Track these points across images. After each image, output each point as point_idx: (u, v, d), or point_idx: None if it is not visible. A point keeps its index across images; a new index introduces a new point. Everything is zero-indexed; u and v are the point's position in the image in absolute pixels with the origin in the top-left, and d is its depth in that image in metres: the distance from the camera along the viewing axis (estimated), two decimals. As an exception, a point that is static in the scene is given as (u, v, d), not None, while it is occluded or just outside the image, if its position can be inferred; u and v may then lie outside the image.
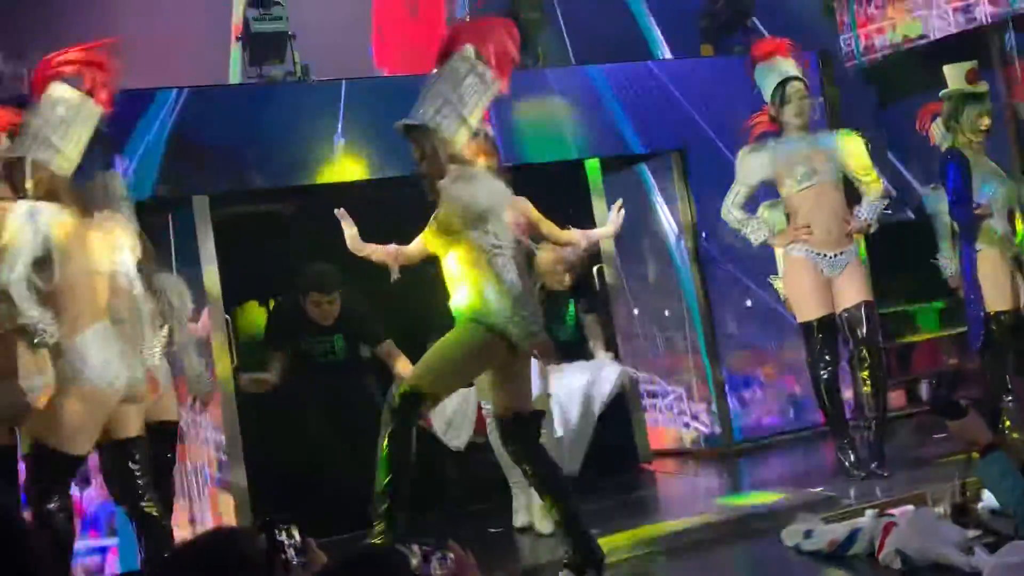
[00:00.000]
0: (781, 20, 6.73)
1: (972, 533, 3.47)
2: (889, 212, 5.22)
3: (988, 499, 3.80)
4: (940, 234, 5.36)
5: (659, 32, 7.52)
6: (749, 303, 6.47)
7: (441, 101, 3.72)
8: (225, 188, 5.36)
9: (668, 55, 7.18)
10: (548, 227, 4.31)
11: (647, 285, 6.84)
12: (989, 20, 6.78)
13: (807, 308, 4.88)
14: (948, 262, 5.28)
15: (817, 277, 4.86)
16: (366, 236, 4.21)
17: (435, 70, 3.86)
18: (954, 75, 5.22)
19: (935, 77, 5.42)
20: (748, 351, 6.45)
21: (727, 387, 6.39)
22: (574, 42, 7.14)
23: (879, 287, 5.65)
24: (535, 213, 4.24)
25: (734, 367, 6.41)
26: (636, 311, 6.82)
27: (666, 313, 6.69)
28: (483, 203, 3.65)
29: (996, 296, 5.05)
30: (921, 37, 7.24)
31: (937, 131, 5.31)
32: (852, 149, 4.97)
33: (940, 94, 5.27)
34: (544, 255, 4.93)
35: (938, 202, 5.30)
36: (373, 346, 5.23)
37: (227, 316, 5.27)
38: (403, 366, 4.92)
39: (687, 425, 6.59)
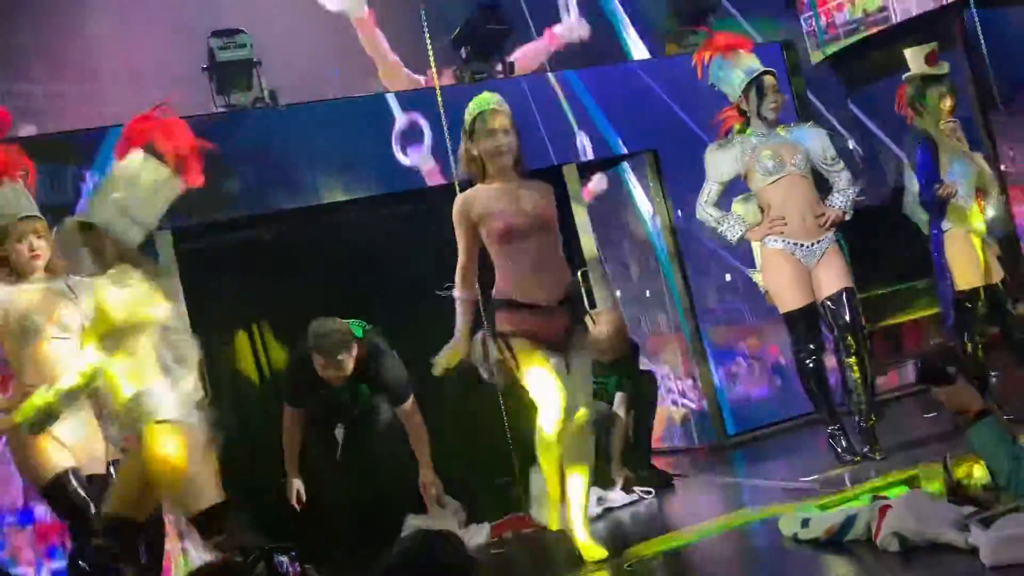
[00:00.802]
0: (742, 13, 6.80)
1: (967, 510, 3.47)
2: (862, 198, 5.25)
3: (980, 475, 3.84)
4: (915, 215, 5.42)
5: (632, 33, 7.60)
6: (728, 277, 6.56)
7: (113, 200, 3.72)
8: (192, 220, 5.35)
9: (645, 54, 7.26)
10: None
11: (627, 274, 6.93)
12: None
13: (788, 299, 4.91)
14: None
15: (795, 267, 4.89)
16: (342, 258, 4.24)
17: (112, 166, 3.90)
18: (914, 58, 5.28)
19: (899, 60, 5.47)
20: (729, 325, 6.55)
21: (711, 362, 6.53)
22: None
23: (862, 270, 5.69)
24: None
25: (716, 342, 6.53)
26: (619, 293, 6.92)
27: (647, 294, 6.77)
28: (119, 315, 3.63)
29: (966, 274, 5.11)
30: (880, 11, 7.31)
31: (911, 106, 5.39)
32: (819, 140, 5.01)
33: (903, 77, 5.33)
34: None
35: (911, 183, 5.36)
36: (394, 405, 4.98)
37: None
38: (417, 438, 4.89)
39: (675, 403, 6.66)
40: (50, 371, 3.90)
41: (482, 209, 3.98)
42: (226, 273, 5.72)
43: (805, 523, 3.73)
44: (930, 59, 5.25)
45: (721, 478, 5.54)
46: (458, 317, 4.07)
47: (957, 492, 3.74)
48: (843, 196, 4.93)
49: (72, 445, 4.00)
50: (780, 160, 4.90)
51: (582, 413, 3.99)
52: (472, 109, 4.05)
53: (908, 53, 5.30)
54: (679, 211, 6.51)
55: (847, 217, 4.95)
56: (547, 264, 4.01)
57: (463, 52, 6.12)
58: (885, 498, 3.65)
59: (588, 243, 6.59)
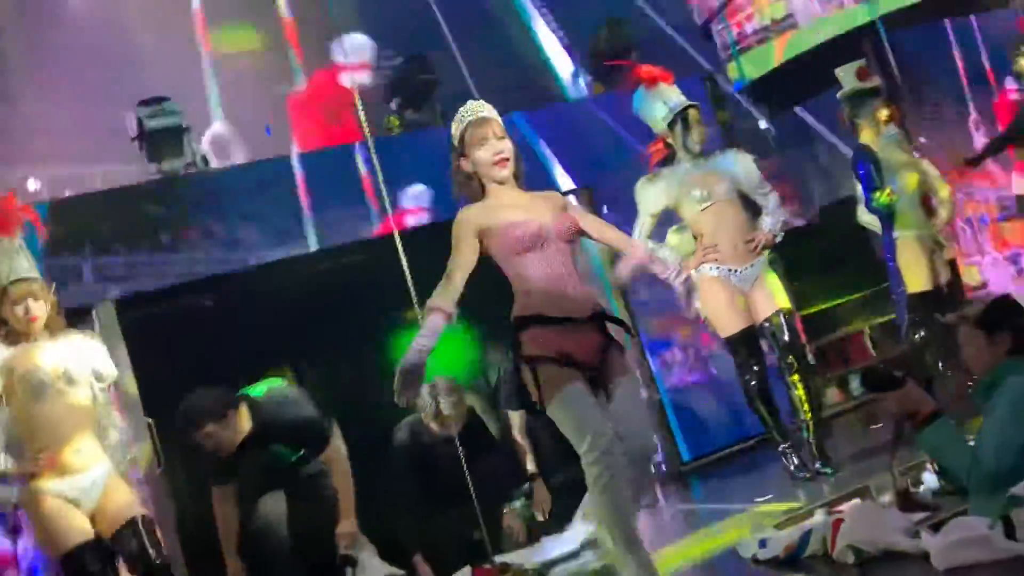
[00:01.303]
0: (663, 50, 6.97)
1: (917, 517, 3.54)
2: (792, 220, 5.39)
3: (928, 481, 3.93)
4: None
5: (567, 73, 7.75)
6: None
7: None
8: (136, 289, 5.33)
9: (585, 92, 7.40)
10: (598, 230, 3.77)
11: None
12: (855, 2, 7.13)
13: (727, 324, 4.99)
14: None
15: (732, 292, 4.97)
16: (285, 315, 4.18)
17: None
18: (846, 76, 5.43)
19: (818, 84, 5.65)
20: (663, 316, 6.67)
21: (647, 352, 6.66)
22: (482, 94, 7.29)
23: (801, 289, 5.83)
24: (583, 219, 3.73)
25: (651, 332, 6.64)
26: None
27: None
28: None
29: (917, 278, 5.26)
30: (786, 18, 7.56)
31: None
32: (744, 166, 5.13)
33: (837, 96, 5.48)
34: None
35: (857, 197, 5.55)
36: (313, 454, 4.77)
37: (149, 420, 5.17)
38: (341, 484, 4.69)
39: None
40: (64, 429, 3.93)
41: (491, 220, 3.49)
42: (172, 341, 5.67)
43: (763, 544, 3.76)
44: (861, 75, 5.41)
45: (678, 505, 5.57)
46: (422, 330, 3.42)
47: (907, 500, 3.82)
48: (772, 219, 5.05)
49: (90, 506, 4.00)
50: (708, 189, 5.01)
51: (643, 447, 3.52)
52: (459, 120, 3.62)
53: (840, 72, 5.45)
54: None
55: (777, 239, 5.06)
56: (572, 275, 3.54)
57: (394, 103, 6.18)
58: (839, 511, 3.70)
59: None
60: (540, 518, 5.44)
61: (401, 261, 5.15)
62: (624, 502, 3.31)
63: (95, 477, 3.99)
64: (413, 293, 5.23)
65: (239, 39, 7.40)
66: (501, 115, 3.60)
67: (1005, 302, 3.45)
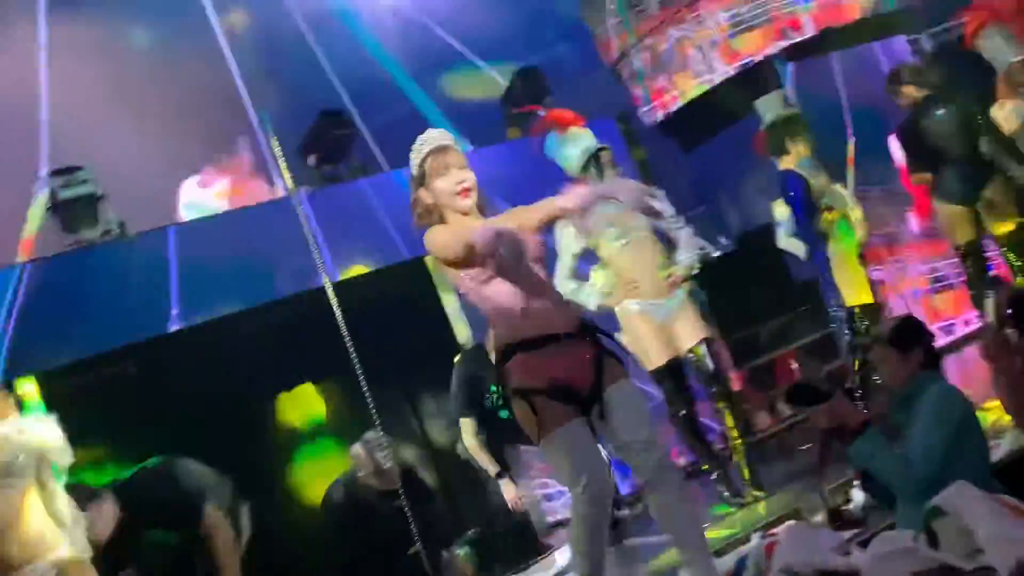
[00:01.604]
0: (573, 94, 7.12)
1: (848, 534, 3.63)
2: (706, 250, 5.52)
3: (857, 498, 4.02)
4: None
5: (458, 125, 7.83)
6: None
7: None
8: (55, 363, 5.23)
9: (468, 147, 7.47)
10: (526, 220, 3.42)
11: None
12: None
13: (652, 357, 5.07)
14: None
15: (654, 326, 5.05)
16: (213, 377, 4.12)
17: None
18: (767, 106, 5.63)
19: (726, 116, 5.83)
20: None
21: None
22: (386, 150, 7.35)
23: (725, 315, 5.94)
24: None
25: None
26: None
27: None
28: None
29: (857, 291, 5.49)
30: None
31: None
32: (656, 202, 5.23)
33: (762, 127, 5.67)
34: None
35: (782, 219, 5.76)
36: (190, 529, 4.48)
37: None
38: (221, 556, 4.43)
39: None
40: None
41: (440, 237, 3.33)
42: (96, 412, 5.55)
43: (702, 573, 3.81)
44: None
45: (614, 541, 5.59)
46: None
47: (838, 518, 3.92)
48: (687, 251, 5.16)
49: None
50: (623, 226, 5.10)
51: (650, 456, 3.35)
52: (418, 150, 3.46)
53: (760, 104, 5.63)
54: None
55: (694, 271, 5.18)
56: (551, 290, 3.42)
57: (312, 160, 6.20)
58: (772, 535, 3.77)
59: (462, 329, 6.68)
60: (519, 511, 5.47)
61: (336, 314, 5.18)
62: (601, 545, 3.29)
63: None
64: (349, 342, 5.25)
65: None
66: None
67: (911, 321, 3.58)
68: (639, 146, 7.09)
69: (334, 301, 5.29)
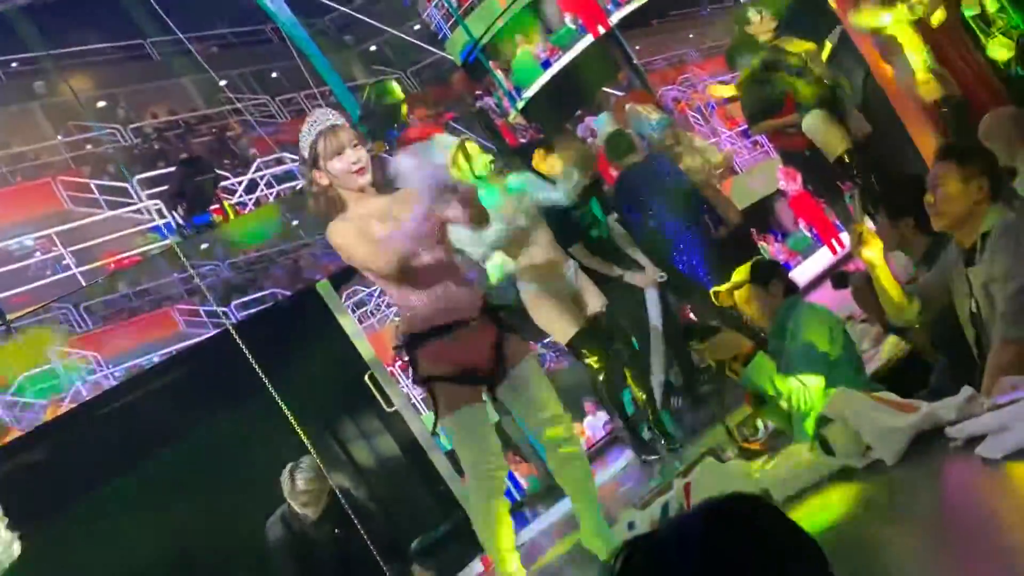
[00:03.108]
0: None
1: (758, 463, 3.82)
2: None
3: (761, 427, 4.23)
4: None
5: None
6: None
7: None
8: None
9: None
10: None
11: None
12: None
13: (564, 328, 5.21)
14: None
15: (556, 300, 5.19)
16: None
17: None
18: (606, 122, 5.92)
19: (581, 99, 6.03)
20: None
21: None
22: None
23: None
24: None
25: None
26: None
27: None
28: None
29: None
30: None
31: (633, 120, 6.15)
32: (529, 181, 5.41)
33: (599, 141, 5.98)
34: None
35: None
36: None
37: None
38: None
39: None
40: None
41: (358, 249, 3.28)
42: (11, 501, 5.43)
43: (631, 526, 3.96)
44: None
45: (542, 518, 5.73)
46: None
47: (747, 450, 4.12)
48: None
49: None
50: (510, 212, 5.23)
51: (556, 431, 3.48)
52: (308, 131, 3.36)
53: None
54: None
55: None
56: (453, 274, 3.40)
57: (179, 210, 6.17)
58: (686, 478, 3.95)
59: (364, 346, 6.73)
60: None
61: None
62: (496, 518, 3.46)
63: None
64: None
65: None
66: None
67: (765, 260, 3.83)
68: (497, 135, 7.23)
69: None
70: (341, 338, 6.60)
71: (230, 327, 5.89)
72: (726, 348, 3.52)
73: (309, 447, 5.53)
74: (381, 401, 6.47)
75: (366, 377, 6.44)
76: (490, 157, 5.46)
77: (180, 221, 6.20)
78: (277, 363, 6.46)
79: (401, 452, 6.76)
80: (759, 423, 4.22)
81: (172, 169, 8.07)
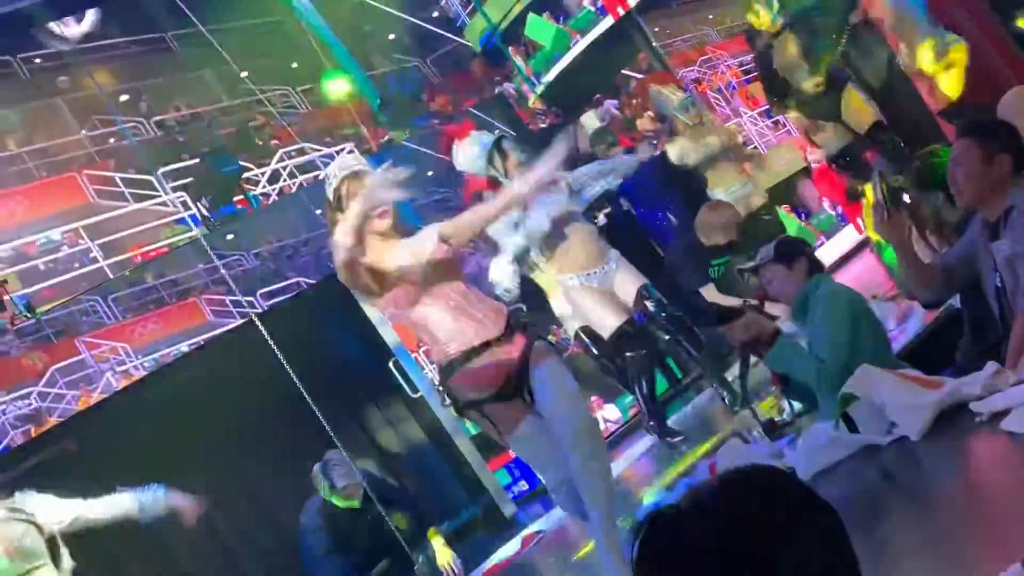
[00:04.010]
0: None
1: (783, 443, 3.82)
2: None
3: (786, 407, 4.23)
4: None
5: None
6: None
7: None
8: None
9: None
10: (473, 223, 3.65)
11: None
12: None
13: (607, 323, 5.22)
14: None
15: (597, 294, 5.20)
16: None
17: None
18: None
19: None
20: None
21: None
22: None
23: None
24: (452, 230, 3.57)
25: None
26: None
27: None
28: None
29: None
30: None
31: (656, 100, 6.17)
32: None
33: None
34: None
35: None
36: None
37: None
38: None
39: None
40: None
41: (374, 266, 3.38)
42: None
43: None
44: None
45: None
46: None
47: (773, 429, 4.12)
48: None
49: None
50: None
51: (584, 423, 3.46)
52: (334, 175, 3.49)
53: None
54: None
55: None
56: (474, 299, 3.50)
57: (205, 202, 6.21)
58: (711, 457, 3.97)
59: (390, 334, 6.77)
60: None
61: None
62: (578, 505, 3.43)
63: None
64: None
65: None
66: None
67: (789, 238, 3.82)
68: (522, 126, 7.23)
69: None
70: (366, 325, 6.64)
71: (254, 317, 5.93)
72: (752, 330, 3.54)
73: (332, 435, 5.60)
74: (406, 387, 6.51)
75: (391, 364, 6.48)
76: (524, 155, 5.47)
77: (206, 212, 6.25)
78: (303, 351, 6.53)
79: (427, 437, 6.80)
80: (784, 403, 4.24)
81: (195, 161, 8.17)
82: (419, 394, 6.46)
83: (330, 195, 3.49)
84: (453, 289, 3.44)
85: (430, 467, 6.74)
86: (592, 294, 5.19)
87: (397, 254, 3.42)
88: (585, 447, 3.40)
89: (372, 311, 6.70)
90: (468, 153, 5.32)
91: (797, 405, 4.06)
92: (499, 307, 3.56)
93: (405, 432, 6.84)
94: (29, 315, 5.50)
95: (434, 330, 3.43)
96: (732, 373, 5.45)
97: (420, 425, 6.76)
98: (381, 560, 5.53)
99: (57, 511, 4.09)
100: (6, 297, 5.50)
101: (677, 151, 6.68)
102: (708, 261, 5.83)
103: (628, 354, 5.25)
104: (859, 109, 5.84)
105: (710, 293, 5.70)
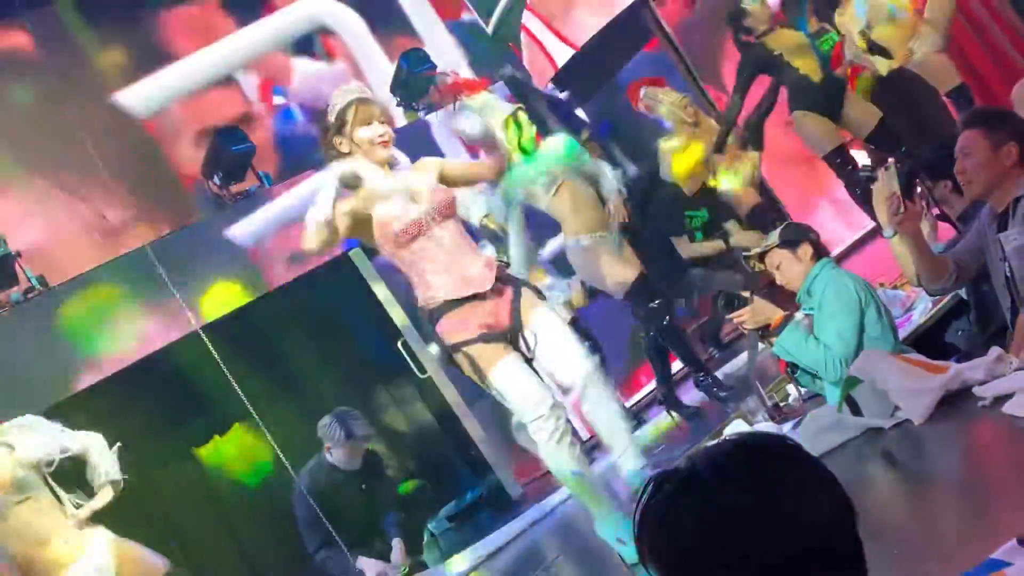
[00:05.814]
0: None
1: (788, 426, 3.85)
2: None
3: (793, 392, 4.25)
4: None
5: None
6: None
7: None
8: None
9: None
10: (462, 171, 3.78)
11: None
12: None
13: (620, 277, 5.26)
14: None
15: (611, 252, 5.26)
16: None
17: None
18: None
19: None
20: None
21: None
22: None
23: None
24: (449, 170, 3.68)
25: None
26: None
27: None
28: None
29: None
30: None
31: (648, 103, 6.15)
32: (563, 148, 5.41)
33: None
34: None
35: None
36: None
37: None
38: None
39: None
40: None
41: (367, 206, 3.41)
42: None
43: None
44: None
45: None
46: None
47: (779, 414, 4.14)
48: (610, 183, 5.32)
49: None
50: (552, 175, 5.25)
51: (582, 371, 3.47)
52: (342, 95, 3.50)
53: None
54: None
55: (624, 196, 5.34)
56: (466, 249, 3.51)
57: (216, 178, 6.23)
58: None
59: (398, 313, 6.77)
60: None
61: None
62: (576, 455, 3.42)
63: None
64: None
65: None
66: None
67: (793, 223, 3.85)
68: (531, 103, 7.18)
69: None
70: (374, 305, 6.65)
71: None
72: (760, 317, 3.58)
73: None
74: (414, 367, 6.52)
75: (399, 344, 6.49)
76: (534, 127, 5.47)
77: (217, 190, 6.28)
78: (311, 330, 6.54)
79: (434, 418, 6.81)
80: (789, 388, 4.26)
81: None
82: (427, 375, 6.48)
83: (332, 116, 3.49)
84: (448, 235, 3.46)
85: (437, 447, 6.76)
86: (606, 250, 5.24)
87: (396, 182, 3.45)
88: (592, 391, 3.45)
89: (381, 291, 6.70)
90: (484, 119, 5.28)
91: (804, 390, 4.09)
92: (490, 259, 3.60)
93: (412, 412, 6.86)
94: (42, 288, 5.52)
95: (424, 275, 3.45)
96: (728, 369, 5.48)
97: (427, 405, 6.77)
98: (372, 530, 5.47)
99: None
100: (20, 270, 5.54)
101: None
102: (684, 212, 5.91)
103: (651, 305, 5.31)
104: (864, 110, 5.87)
105: (683, 246, 5.90)
